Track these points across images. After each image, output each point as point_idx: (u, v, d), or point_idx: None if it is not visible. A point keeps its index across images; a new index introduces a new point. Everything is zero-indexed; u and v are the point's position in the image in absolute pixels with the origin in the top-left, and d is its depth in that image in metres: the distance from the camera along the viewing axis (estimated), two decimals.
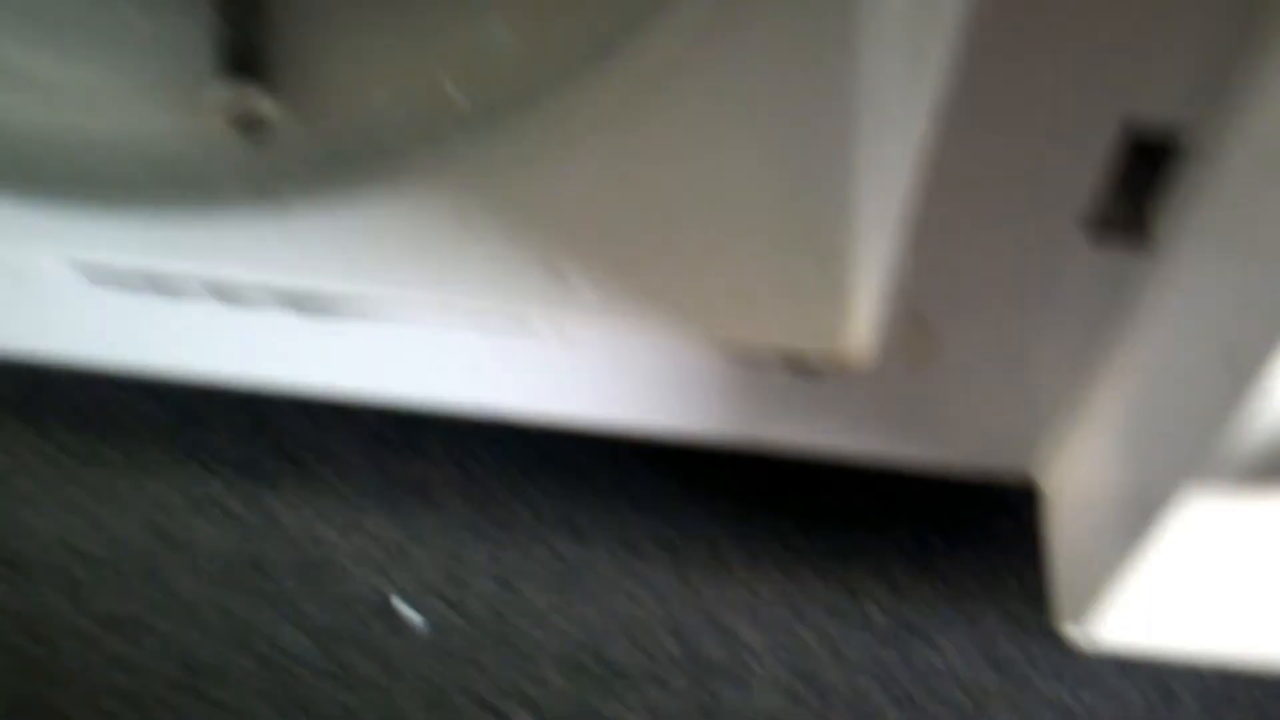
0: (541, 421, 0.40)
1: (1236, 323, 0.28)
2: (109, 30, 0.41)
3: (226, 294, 0.37)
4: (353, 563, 0.41)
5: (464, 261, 0.38)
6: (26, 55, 0.41)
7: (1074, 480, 0.36)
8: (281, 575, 0.41)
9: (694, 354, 0.37)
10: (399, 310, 0.37)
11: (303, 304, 0.37)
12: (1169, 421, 0.31)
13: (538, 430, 0.41)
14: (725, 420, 0.39)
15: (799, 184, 0.39)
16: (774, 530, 0.42)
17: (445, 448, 0.43)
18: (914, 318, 0.34)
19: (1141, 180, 0.31)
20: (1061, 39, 0.28)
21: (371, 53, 0.41)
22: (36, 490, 0.42)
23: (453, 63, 0.41)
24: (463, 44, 0.41)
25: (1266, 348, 0.26)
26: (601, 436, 0.40)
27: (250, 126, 0.40)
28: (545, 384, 0.39)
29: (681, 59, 0.41)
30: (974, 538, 0.42)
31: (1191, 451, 0.29)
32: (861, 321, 0.36)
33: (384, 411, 0.41)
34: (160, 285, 0.37)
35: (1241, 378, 0.27)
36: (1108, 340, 0.33)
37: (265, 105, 0.40)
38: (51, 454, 0.43)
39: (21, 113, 0.40)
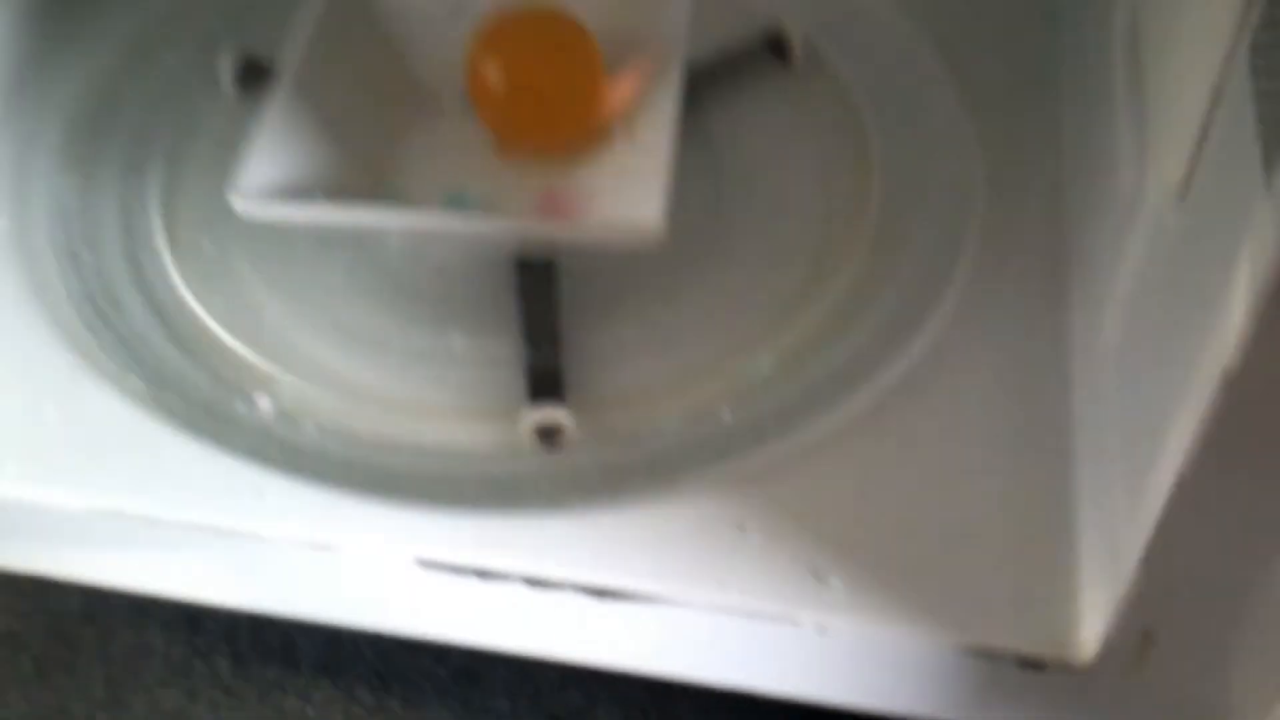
0: (785, 697, 0.45)
1: None
2: (439, 354, 0.49)
3: (536, 582, 0.44)
4: None
5: (737, 563, 0.44)
6: (371, 374, 0.49)
7: None
8: None
9: (935, 651, 0.43)
10: (678, 600, 0.44)
11: (599, 593, 0.44)
12: None
13: (776, 702, 0.46)
14: (954, 705, 0.44)
15: (1027, 498, 0.45)
16: None
17: (692, 711, 0.49)
18: (1138, 631, 0.40)
19: None
20: None
21: (657, 380, 0.48)
22: None
23: (726, 389, 0.48)
24: (735, 375, 0.48)
25: None
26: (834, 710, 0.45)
27: (550, 439, 0.47)
28: (795, 666, 0.45)
29: (914, 384, 0.48)
30: None
31: None
32: (1088, 628, 0.41)
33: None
34: (481, 573, 0.44)
35: None
36: None
37: (563, 421, 0.47)
38: (352, 709, 0.49)
39: (357, 424, 0.48)
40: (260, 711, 0.49)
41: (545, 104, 0.53)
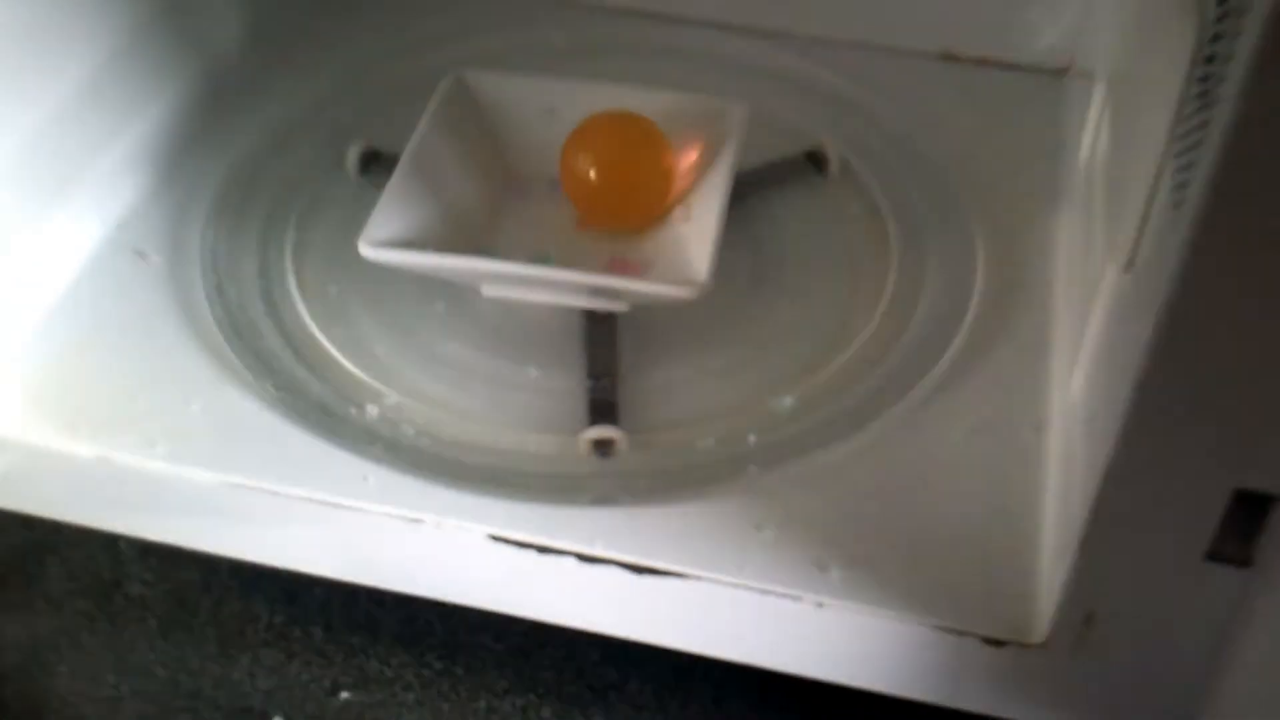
0: (787, 672, 0.54)
1: None
2: (516, 382, 0.59)
3: (586, 559, 0.53)
4: None
5: (753, 553, 0.53)
6: (458, 395, 0.59)
7: None
8: None
9: (914, 629, 0.51)
10: (704, 577, 0.52)
11: (638, 570, 0.53)
12: None
13: (781, 689, 0.54)
14: (928, 679, 0.52)
15: (999, 514, 0.54)
16: None
17: (711, 689, 0.58)
18: (1083, 613, 0.48)
19: (1246, 524, 0.44)
20: (1193, 437, 0.43)
21: (698, 412, 0.58)
22: (414, 701, 0.57)
23: (754, 421, 0.57)
24: (762, 411, 0.58)
25: None
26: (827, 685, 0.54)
27: (602, 448, 0.56)
28: (796, 642, 0.53)
29: (909, 424, 0.57)
30: None
31: None
32: (1041, 614, 0.50)
33: (664, 651, 0.55)
34: (540, 549, 0.53)
35: None
36: (1229, 629, 0.46)
37: (614, 435, 0.56)
38: (422, 672, 0.58)
39: (447, 429, 0.58)
40: (345, 669, 0.58)
41: (624, 190, 0.63)
